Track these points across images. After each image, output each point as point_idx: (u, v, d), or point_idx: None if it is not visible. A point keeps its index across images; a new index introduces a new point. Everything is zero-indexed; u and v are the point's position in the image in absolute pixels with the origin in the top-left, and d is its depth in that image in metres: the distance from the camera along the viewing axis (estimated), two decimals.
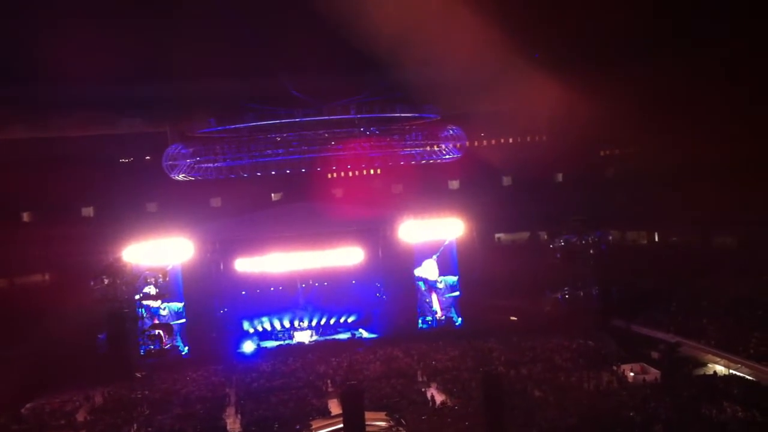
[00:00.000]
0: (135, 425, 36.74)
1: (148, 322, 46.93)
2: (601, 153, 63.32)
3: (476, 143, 61.48)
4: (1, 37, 42.25)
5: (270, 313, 55.95)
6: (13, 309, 45.30)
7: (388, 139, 54.75)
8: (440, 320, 54.41)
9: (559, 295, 50.92)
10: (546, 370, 41.14)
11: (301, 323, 56.04)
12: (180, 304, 50.83)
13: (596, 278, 42.93)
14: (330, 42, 43.25)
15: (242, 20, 45.55)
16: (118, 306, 37.44)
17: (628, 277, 48.61)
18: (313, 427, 34.31)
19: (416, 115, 55.19)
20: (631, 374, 39.23)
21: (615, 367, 40.26)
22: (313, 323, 56.20)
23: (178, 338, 50.00)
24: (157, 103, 51.92)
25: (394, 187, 59.79)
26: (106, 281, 38.91)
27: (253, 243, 54.19)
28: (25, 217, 55.92)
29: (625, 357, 42.19)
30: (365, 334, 55.06)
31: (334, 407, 37.22)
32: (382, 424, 33.78)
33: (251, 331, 55.28)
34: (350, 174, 57.73)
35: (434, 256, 54.68)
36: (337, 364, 46.17)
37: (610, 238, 56.85)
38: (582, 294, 43.71)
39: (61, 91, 46.76)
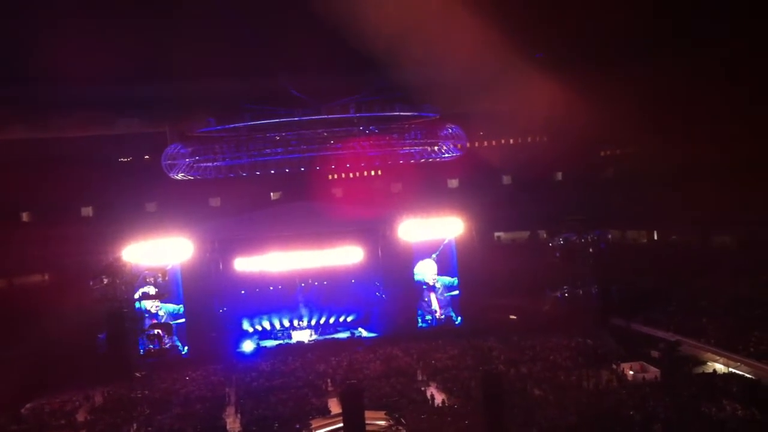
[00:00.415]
0: (135, 425, 36.73)
1: (147, 322, 46.98)
2: (601, 153, 63.36)
3: (476, 143, 61.54)
4: (0, 38, 42.24)
5: (269, 313, 55.94)
6: (12, 309, 45.31)
7: (387, 138, 54.75)
8: (440, 319, 54.42)
9: (558, 294, 50.99)
10: (546, 368, 41.17)
11: (300, 322, 56.02)
12: (177, 306, 50.76)
13: (596, 277, 42.95)
14: (329, 42, 43.27)
15: (241, 20, 45.58)
16: (118, 306, 37.40)
17: (628, 276, 48.69)
18: (313, 426, 34.30)
19: (415, 114, 55.17)
20: (631, 373, 39.27)
21: (615, 366, 40.30)
22: (313, 322, 56.18)
23: (176, 338, 49.94)
24: (157, 103, 51.95)
25: (394, 186, 59.84)
26: (105, 281, 38.87)
27: (253, 242, 54.19)
28: (25, 217, 55.95)
29: (625, 356, 42.21)
30: (365, 333, 55.05)
31: (334, 406, 37.23)
32: (382, 423, 33.75)
33: (251, 330, 55.29)
34: (349, 173, 57.77)
35: (433, 256, 54.67)
36: (337, 364, 46.17)
37: (610, 237, 56.96)
38: (581, 293, 43.73)
39: (61, 91, 46.78)
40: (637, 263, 51.25)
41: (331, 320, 56.55)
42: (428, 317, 54.42)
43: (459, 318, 54.35)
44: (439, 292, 54.73)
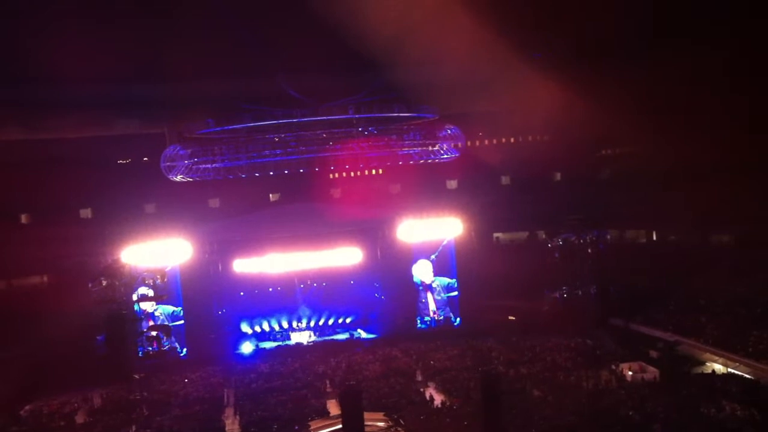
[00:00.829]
0: (134, 427, 36.73)
1: (145, 324, 46.93)
2: (600, 153, 63.29)
3: (475, 143, 61.49)
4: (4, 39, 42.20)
5: (268, 314, 55.91)
6: (11, 310, 45.23)
7: (386, 139, 54.70)
8: (438, 320, 54.42)
9: (557, 295, 50.91)
10: (545, 369, 41.16)
11: (299, 324, 56.01)
12: (176, 308, 50.72)
13: (595, 277, 42.88)
14: (328, 42, 43.23)
15: (240, 21, 45.49)
16: (117, 307, 37.37)
17: (627, 276, 48.60)
18: (312, 427, 34.33)
19: (414, 114, 55.14)
20: (630, 373, 39.25)
21: (614, 366, 40.29)
22: (312, 324, 56.16)
23: (174, 339, 49.90)
24: (155, 104, 51.88)
25: (393, 187, 59.76)
26: (104, 282, 38.83)
27: (252, 244, 54.17)
28: (23, 218, 55.83)
29: (624, 356, 42.20)
30: (364, 335, 55.04)
31: (333, 408, 37.22)
32: (381, 424, 33.80)
33: (250, 331, 55.26)
34: (348, 174, 57.71)
35: (432, 256, 54.69)
36: (336, 365, 46.19)
37: (609, 237, 56.91)
38: (580, 293, 43.63)
39: (59, 92, 46.66)
40: (636, 263, 51.18)
41: (330, 321, 56.51)
42: (427, 318, 54.42)
43: (458, 319, 54.38)
44: (437, 292, 54.72)
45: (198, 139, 53.46)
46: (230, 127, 52.46)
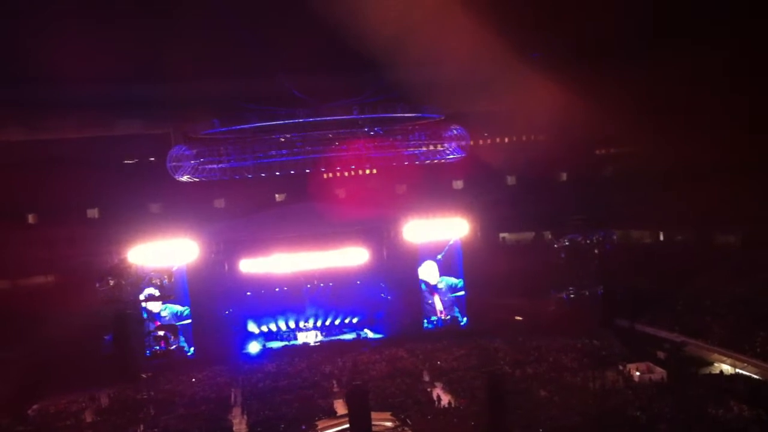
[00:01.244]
0: (141, 426, 36.85)
1: (151, 324, 47.07)
2: (606, 152, 63.17)
3: (480, 143, 61.41)
4: (4, 39, 42.24)
5: (275, 314, 55.94)
6: (18, 311, 45.36)
7: (391, 140, 54.69)
8: (445, 320, 54.42)
9: (563, 295, 50.91)
10: (551, 369, 41.17)
11: (306, 324, 56.04)
12: (182, 307, 50.82)
13: (601, 278, 42.83)
14: (331, 42, 43.20)
15: (239, 20, 45.48)
16: (124, 307, 37.45)
17: (633, 277, 48.53)
18: (319, 427, 34.41)
19: (420, 115, 55.13)
20: (637, 374, 39.18)
21: (621, 367, 40.18)
22: (318, 324, 56.20)
23: (182, 338, 50.02)
24: (159, 104, 51.92)
25: (398, 187, 59.77)
26: (111, 282, 38.88)
27: (258, 244, 54.25)
28: (30, 218, 55.98)
29: (631, 356, 42.12)
30: (370, 335, 55.10)
31: (340, 407, 37.28)
32: (388, 424, 33.85)
33: (256, 331, 55.33)
34: (354, 174, 57.70)
35: (438, 256, 54.68)
36: (343, 365, 46.23)
37: (615, 237, 56.85)
38: (587, 293, 43.60)
39: (59, 92, 46.65)
40: (643, 264, 51.12)
41: (337, 321, 56.55)
42: (434, 318, 54.43)
43: (464, 319, 54.36)
44: (444, 293, 54.71)
45: (203, 139, 53.54)
46: (236, 127, 52.54)
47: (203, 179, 53.24)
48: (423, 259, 54.64)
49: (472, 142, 56.98)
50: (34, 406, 41.10)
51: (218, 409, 39.47)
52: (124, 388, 42.45)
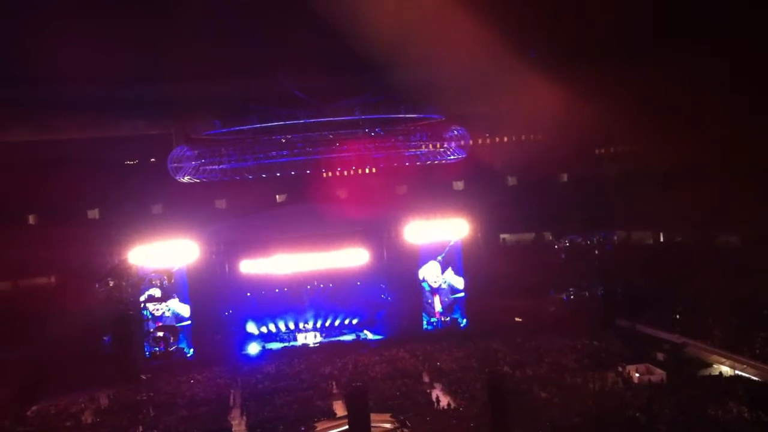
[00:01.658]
0: (140, 427, 36.86)
1: (152, 324, 47.09)
2: (606, 152, 63.09)
3: (481, 143, 61.34)
4: (7, 39, 42.24)
5: (275, 315, 55.94)
6: (18, 311, 45.41)
7: (392, 140, 54.64)
8: (445, 321, 54.38)
9: (564, 296, 50.91)
10: (551, 370, 41.12)
11: (306, 325, 56.02)
12: (183, 306, 50.79)
13: (601, 278, 42.87)
14: (332, 43, 43.17)
15: (240, 21, 45.46)
16: (124, 308, 37.56)
17: (633, 277, 48.47)
18: (318, 428, 34.39)
19: (421, 115, 55.09)
20: (637, 375, 39.11)
21: (620, 368, 40.14)
22: (318, 325, 56.19)
23: (182, 338, 50.03)
24: (157, 105, 51.90)
25: (399, 187, 59.73)
26: (111, 283, 39.05)
27: (258, 244, 54.23)
28: (31, 219, 56.02)
29: (631, 357, 42.08)
30: (370, 336, 55.07)
31: (339, 408, 37.27)
32: (387, 425, 33.82)
33: (256, 332, 55.35)
34: (355, 174, 57.65)
35: (439, 257, 54.66)
36: (342, 366, 46.22)
37: (615, 238, 56.79)
38: (587, 294, 43.67)
39: (59, 92, 46.67)
40: (643, 264, 51.04)
41: (337, 322, 56.54)
42: (433, 319, 54.40)
43: (464, 320, 54.32)
44: (444, 293, 54.68)
45: (205, 140, 53.54)
46: (237, 128, 52.53)
47: (204, 180, 53.25)
48: (424, 260, 54.60)
49: (472, 143, 56.97)
50: (34, 407, 41.11)
51: (218, 410, 39.45)
52: (123, 389, 42.45)
